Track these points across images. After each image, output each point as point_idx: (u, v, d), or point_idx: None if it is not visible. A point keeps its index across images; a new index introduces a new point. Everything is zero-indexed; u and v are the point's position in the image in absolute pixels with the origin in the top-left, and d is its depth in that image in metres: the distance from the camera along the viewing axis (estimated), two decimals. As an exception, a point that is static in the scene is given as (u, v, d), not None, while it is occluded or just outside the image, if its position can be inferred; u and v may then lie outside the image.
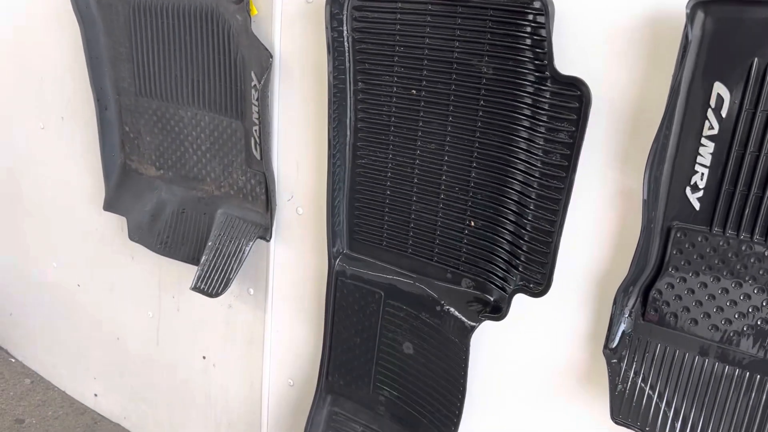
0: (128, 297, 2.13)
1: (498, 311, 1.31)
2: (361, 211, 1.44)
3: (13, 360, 2.69)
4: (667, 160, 1.03)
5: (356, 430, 1.57)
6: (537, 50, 1.11)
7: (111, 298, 2.19)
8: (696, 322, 1.08)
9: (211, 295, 1.66)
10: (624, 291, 1.12)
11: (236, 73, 1.55)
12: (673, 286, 1.10)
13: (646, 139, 1.04)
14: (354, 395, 1.55)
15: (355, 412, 1.56)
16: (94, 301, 2.25)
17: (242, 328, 1.84)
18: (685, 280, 1.08)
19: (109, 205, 1.96)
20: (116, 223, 2.04)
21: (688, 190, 1.04)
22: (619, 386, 1.14)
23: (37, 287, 2.45)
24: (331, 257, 1.49)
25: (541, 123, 1.15)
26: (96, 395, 2.39)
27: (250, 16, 1.46)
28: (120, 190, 1.95)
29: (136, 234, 1.91)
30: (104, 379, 2.34)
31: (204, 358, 1.98)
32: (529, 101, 1.16)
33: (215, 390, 1.99)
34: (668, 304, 1.10)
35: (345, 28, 1.32)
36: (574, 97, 1.09)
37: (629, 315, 1.14)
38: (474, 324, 1.33)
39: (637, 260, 1.09)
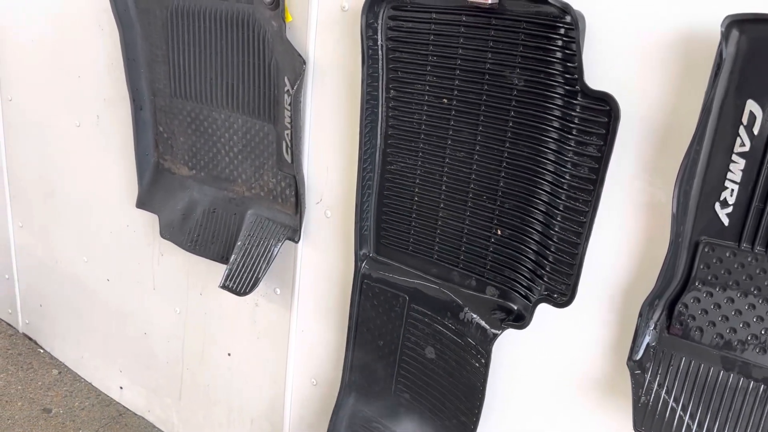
0: (156, 293, 2.18)
1: (521, 320, 1.32)
2: (388, 216, 1.47)
3: (42, 351, 2.75)
4: (697, 176, 1.04)
5: (378, 431, 1.59)
6: (567, 64, 1.13)
7: (139, 293, 2.24)
8: (721, 336, 1.09)
9: (239, 294, 1.69)
10: (650, 304, 1.13)
11: (270, 78, 1.58)
12: (699, 301, 1.10)
13: (676, 154, 1.05)
14: (376, 397, 1.57)
15: (376, 413, 1.59)
16: (123, 295, 2.30)
17: (267, 327, 1.88)
18: (711, 294, 1.09)
19: (142, 203, 2.01)
20: (147, 221, 2.09)
21: (717, 205, 1.05)
22: (643, 398, 1.15)
23: (67, 280, 2.51)
24: (358, 260, 1.52)
25: (570, 136, 1.16)
26: (121, 388, 2.45)
27: (285, 22, 1.49)
28: (153, 189, 2.00)
29: (168, 232, 1.95)
30: (130, 373, 2.39)
31: (229, 355, 2.02)
32: (558, 114, 1.17)
33: (239, 387, 2.03)
34: (694, 318, 1.11)
35: (379, 36, 1.35)
36: (603, 111, 1.11)
37: (654, 328, 1.15)
38: (496, 332, 1.35)
39: (664, 274, 1.10)
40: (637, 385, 1.16)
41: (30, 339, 2.82)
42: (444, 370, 1.45)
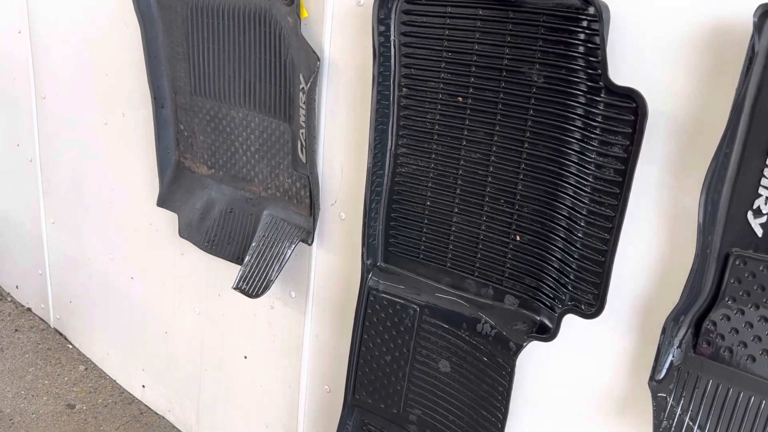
0: (177, 293, 2.17)
1: (545, 331, 1.24)
2: (399, 222, 1.40)
3: (71, 346, 2.78)
4: (727, 181, 0.95)
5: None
6: (590, 59, 1.05)
7: (161, 292, 2.23)
8: (753, 359, 0.99)
9: (251, 296, 1.66)
10: (674, 320, 1.04)
11: (285, 76, 1.54)
12: (729, 318, 1.01)
13: (705, 157, 0.96)
14: (382, 413, 1.50)
15: (384, 427, 1.52)
16: (146, 294, 2.30)
17: (282, 331, 1.84)
18: (743, 312, 0.99)
19: (162, 202, 2.00)
20: (168, 220, 2.07)
21: (749, 214, 0.95)
22: (665, 422, 1.06)
23: (95, 277, 2.53)
24: (364, 270, 1.45)
25: (593, 135, 1.09)
26: (144, 386, 2.45)
27: (300, 18, 1.45)
28: (173, 187, 1.98)
29: (186, 231, 1.94)
30: (152, 372, 2.39)
31: (245, 358, 1.99)
32: (581, 112, 1.10)
33: (255, 390, 1.99)
34: (723, 338, 1.02)
35: (392, 32, 1.29)
36: (629, 109, 1.03)
37: (679, 346, 1.06)
38: (520, 344, 1.27)
39: (690, 288, 1.01)
40: (659, 408, 1.07)
41: (60, 334, 2.85)
42: (460, 385, 1.37)
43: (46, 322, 2.93)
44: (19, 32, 2.50)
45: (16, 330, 2.87)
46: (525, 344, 1.26)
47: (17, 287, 3.07)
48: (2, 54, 2.65)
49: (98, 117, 2.25)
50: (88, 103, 2.27)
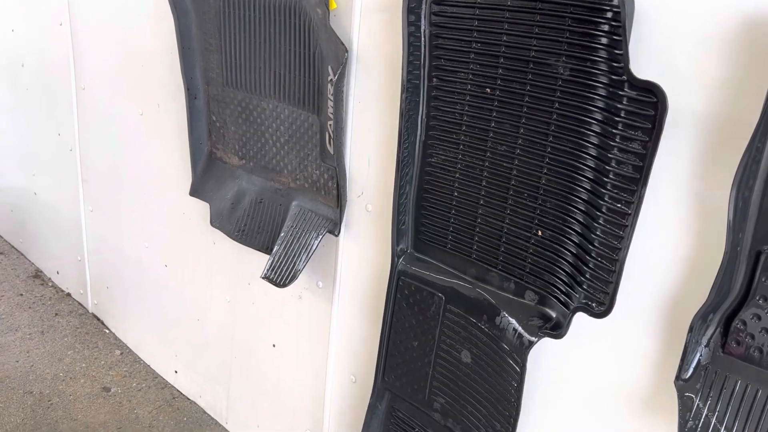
0: (208, 281, 2.20)
1: (558, 328, 1.23)
2: (427, 211, 1.40)
3: (107, 331, 2.86)
4: (759, 176, 0.92)
5: (411, 434, 1.53)
6: (614, 51, 1.03)
7: (193, 280, 2.27)
8: (784, 360, 0.96)
9: (278, 285, 1.68)
10: (702, 318, 1.01)
11: (314, 67, 1.55)
12: (759, 318, 0.98)
13: (735, 152, 0.93)
14: (410, 397, 1.51)
15: (411, 413, 1.53)
16: (179, 282, 2.35)
17: (310, 320, 1.85)
18: (774, 311, 0.96)
19: (195, 191, 2.03)
20: (201, 209, 2.11)
21: (782, 211, 0.92)
22: (690, 422, 1.04)
23: (131, 264, 2.59)
24: (395, 255, 1.46)
25: (614, 131, 1.07)
26: (176, 372, 2.50)
27: (328, 9, 1.45)
28: (205, 177, 2.02)
29: (217, 220, 1.97)
30: (184, 358, 2.44)
31: (274, 346, 2.02)
32: (602, 105, 1.08)
33: (283, 378, 2.02)
34: (753, 337, 0.99)
35: (422, 22, 1.28)
36: (649, 104, 1.01)
37: (706, 345, 1.03)
38: (533, 339, 1.26)
39: (719, 286, 0.98)
40: (684, 408, 1.04)
41: (98, 319, 2.93)
42: (480, 376, 1.37)
43: (85, 307, 3.01)
44: (60, 24, 2.56)
45: (57, 314, 2.96)
46: (537, 340, 1.25)
47: (58, 273, 3.17)
48: (44, 46, 2.73)
49: (134, 107, 2.29)
50: (125, 93, 2.32)
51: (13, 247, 3.51)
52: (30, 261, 3.38)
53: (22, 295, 3.09)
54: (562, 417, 1.31)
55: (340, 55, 1.46)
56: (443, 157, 1.34)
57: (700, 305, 1.00)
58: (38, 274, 3.27)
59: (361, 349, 1.73)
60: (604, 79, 1.05)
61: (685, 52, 1.00)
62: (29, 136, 3.08)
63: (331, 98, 1.52)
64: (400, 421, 1.56)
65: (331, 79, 1.50)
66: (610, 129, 1.06)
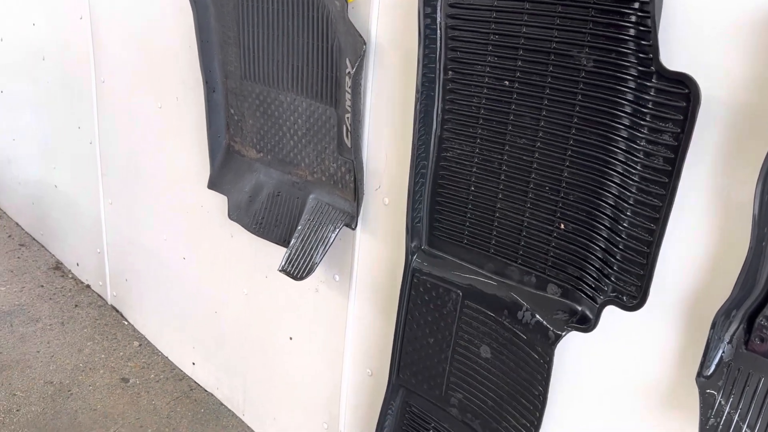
0: (226, 273, 2.21)
1: (586, 322, 1.22)
2: (443, 206, 1.39)
3: (126, 323, 2.89)
4: (786, 170, 0.90)
5: (427, 428, 1.53)
6: (642, 42, 1.01)
7: (211, 273, 2.28)
8: (810, 357, 0.94)
9: (295, 278, 1.68)
10: (725, 314, 1.00)
11: (332, 60, 1.54)
12: (784, 315, 0.96)
13: (763, 145, 0.91)
14: (425, 394, 1.51)
15: (426, 409, 1.52)
16: (196, 274, 2.36)
17: (326, 314, 1.85)
18: (799, 308, 0.95)
19: (213, 184, 2.04)
20: (218, 202, 2.12)
21: (810, 206, 0.90)
22: (712, 420, 1.02)
23: (150, 257, 2.61)
24: (409, 252, 1.45)
25: (643, 122, 1.05)
26: (194, 364, 2.52)
27: (347, 2, 1.44)
28: (223, 171, 2.02)
29: (235, 213, 1.97)
30: (202, 350, 2.46)
31: (291, 339, 2.02)
32: (631, 98, 1.06)
33: (299, 371, 2.02)
34: (777, 334, 0.97)
35: (438, 13, 1.27)
36: (681, 95, 0.99)
37: (729, 342, 1.02)
38: (559, 333, 1.25)
39: (743, 282, 0.96)
40: (706, 405, 1.03)
41: (116, 311, 2.96)
42: (501, 371, 1.36)
43: (104, 299, 3.05)
44: (81, 18, 2.58)
45: (76, 305, 3.00)
46: (564, 334, 1.24)
47: (77, 264, 3.21)
48: (65, 39, 2.75)
49: (153, 101, 2.31)
50: (144, 87, 2.34)
51: (34, 239, 3.56)
52: (50, 253, 3.42)
53: (42, 286, 3.13)
54: (581, 411, 1.30)
55: (359, 47, 1.45)
56: (459, 151, 1.33)
57: (723, 301, 0.98)
58: (59, 266, 3.31)
59: (378, 343, 1.73)
60: (631, 71, 1.03)
61: (713, 44, 0.98)
62: (50, 129, 3.11)
63: (349, 91, 1.51)
64: (415, 416, 1.56)
65: (349, 72, 1.50)
66: (637, 121, 1.05)
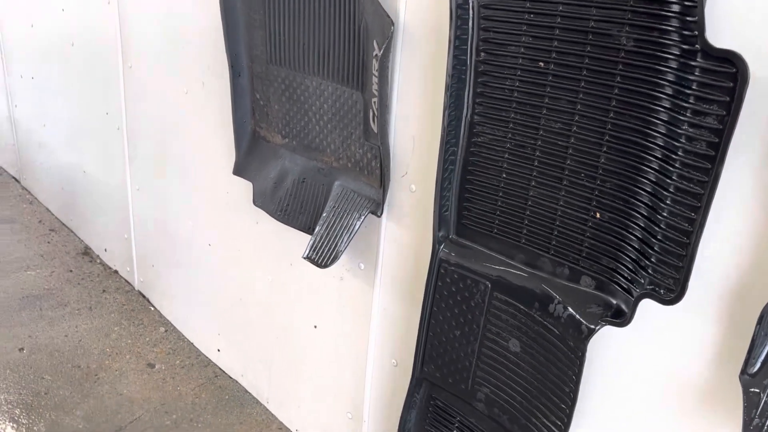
0: (251, 260, 2.20)
1: (621, 316, 1.17)
2: (472, 194, 1.35)
3: (153, 308, 2.90)
4: None
5: (452, 422, 1.49)
6: (686, 18, 0.95)
7: (237, 260, 2.27)
8: None
9: (320, 266, 1.65)
10: (773, 309, 0.94)
11: (359, 42, 1.50)
12: (839, 311, 0.90)
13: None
14: (451, 388, 1.47)
15: (451, 402, 1.49)
16: (222, 261, 2.35)
17: (351, 302, 1.82)
18: None
19: (238, 170, 2.02)
20: (244, 189, 2.10)
21: None
22: (756, 420, 0.97)
23: (177, 243, 2.61)
24: (436, 242, 1.41)
25: (686, 104, 0.99)
26: (219, 350, 2.52)
27: (375, -19, 1.40)
28: (249, 157, 2.00)
29: (260, 199, 1.95)
30: (227, 337, 2.45)
31: (315, 327, 2.00)
32: (672, 78, 1.00)
33: (324, 360, 2.00)
34: (830, 332, 0.91)
35: (471, -7, 1.22)
36: (727, 75, 0.93)
37: (777, 338, 0.96)
38: (593, 327, 1.20)
39: (794, 275, 0.90)
40: (750, 404, 0.97)
41: (143, 296, 2.98)
42: (531, 366, 1.32)
43: (131, 284, 3.06)
44: (108, 3, 2.58)
45: (104, 291, 3.02)
46: (598, 328, 1.19)
47: (105, 250, 3.23)
48: (93, 24, 2.75)
49: (180, 86, 2.29)
50: (171, 72, 2.32)
51: (63, 224, 3.60)
52: (79, 238, 3.46)
53: (71, 271, 3.15)
54: (613, 409, 1.25)
55: (386, 29, 1.41)
56: (491, 136, 1.28)
57: (771, 295, 0.93)
58: (87, 251, 3.34)
59: (403, 333, 1.69)
60: (674, 50, 0.97)
61: (763, 19, 0.92)
62: (78, 115, 3.13)
63: (376, 74, 1.47)
64: (440, 409, 1.52)
65: (377, 54, 1.45)
66: (680, 103, 0.99)
